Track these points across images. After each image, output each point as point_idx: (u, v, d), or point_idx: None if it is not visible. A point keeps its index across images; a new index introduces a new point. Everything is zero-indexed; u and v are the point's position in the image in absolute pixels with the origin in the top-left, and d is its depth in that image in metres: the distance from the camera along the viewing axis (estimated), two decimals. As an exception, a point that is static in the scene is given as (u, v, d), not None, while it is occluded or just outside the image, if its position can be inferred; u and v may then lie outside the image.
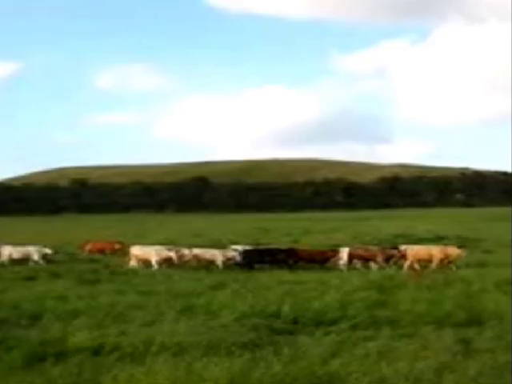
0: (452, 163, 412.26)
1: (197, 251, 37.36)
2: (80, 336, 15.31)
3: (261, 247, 42.69)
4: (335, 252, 37.36)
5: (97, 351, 14.45)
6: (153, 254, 36.31)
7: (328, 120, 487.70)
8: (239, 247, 39.08)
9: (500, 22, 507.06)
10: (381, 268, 34.56)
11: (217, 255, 36.75)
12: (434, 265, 33.95)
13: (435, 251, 35.03)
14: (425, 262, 34.68)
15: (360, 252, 37.78)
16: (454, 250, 34.86)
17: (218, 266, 35.78)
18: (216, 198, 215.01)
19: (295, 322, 17.99)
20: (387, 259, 35.97)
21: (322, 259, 36.99)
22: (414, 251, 35.63)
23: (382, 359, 13.03)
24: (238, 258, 36.35)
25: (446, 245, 40.15)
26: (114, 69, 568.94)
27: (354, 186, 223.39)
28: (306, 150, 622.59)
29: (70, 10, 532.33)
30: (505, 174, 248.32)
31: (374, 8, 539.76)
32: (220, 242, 51.56)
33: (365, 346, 14.45)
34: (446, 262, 33.98)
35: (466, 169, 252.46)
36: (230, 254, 37.03)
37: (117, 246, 45.21)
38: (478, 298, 21.08)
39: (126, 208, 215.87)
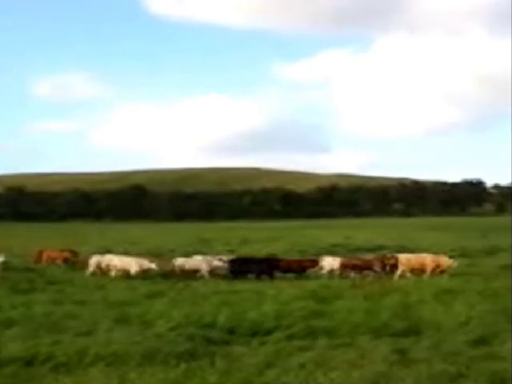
0: (391, 173, 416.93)
1: (181, 261, 37.14)
2: (13, 346, 15.04)
3: (244, 257, 42.49)
4: (315, 261, 37.55)
5: (30, 362, 14.19)
6: (133, 264, 35.95)
7: (268, 129, 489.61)
8: (224, 257, 38.96)
9: (442, 33, 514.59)
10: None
11: (202, 265, 36.56)
12: (426, 273, 33.98)
13: (428, 260, 35.13)
14: (417, 271, 34.76)
15: (354, 261, 38.08)
16: (445, 260, 34.94)
17: (203, 276, 35.50)
18: (154, 207, 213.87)
19: (231, 332, 17.90)
20: (383, 267, 36.02)
21: (301, 268, 37.12)
22: (406, 260, 35.74)
23: (317, 369, 13.02)
24: (224, 268, 36.59)
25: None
26: (52, 78, 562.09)
27: (292, 195, 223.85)
28: (245, 160, 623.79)
29: (10, 19, 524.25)
30: (444, 183, 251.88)
31: (317, 17, 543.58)
32: (157, 251, 51.28)
33: (301, 356, 14.44)
34: (437, 271, 34.10)
35: (405, 179, 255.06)
36: (215, 263, 36.97)
37: (66, 255, 44.39)
38: (415, 307, 21.26)
39: (63, 216, 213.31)
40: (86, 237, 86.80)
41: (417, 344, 15.76)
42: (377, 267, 36.14)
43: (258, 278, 35.20)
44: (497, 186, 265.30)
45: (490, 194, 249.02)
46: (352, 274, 36.17)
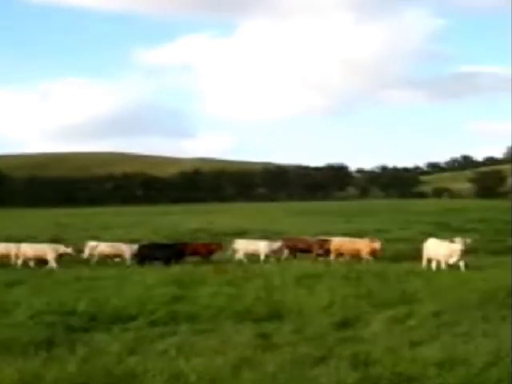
0: (255, 158, 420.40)
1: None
2: None
3: (156, 242, 42.30)
4: (219, 244, 38.16)
5: None
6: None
7: (129, 114, 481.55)
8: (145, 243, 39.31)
9: (308, 18, 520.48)
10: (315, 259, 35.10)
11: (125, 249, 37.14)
12: (363, 258, 34.04)
13: (361, 245, 35.12)
14: (350, 255, 35.00)
15: (295, 243, 38.43)
16: (379, 244, 34.69)
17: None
18: (11, 193, 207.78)
19: (92, 319, 17.56)
20: (326, 250, 36.11)
21: (207, 252, 37.25)
22: (338, 244, 35.91)
23: (180, 355, 12.82)
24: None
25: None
26: None
27: (154, 180, 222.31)
28: (106, 144, 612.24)
29: None
30: (305, 168, 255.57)
31: (179, 2, 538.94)
32: (16, 237, 49.95)
33: (163, 342, 14.26)
34: (371, 255, 34.12)
35: (269, 163, 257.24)
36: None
37: None
38: (279, 292, 21.37)
39: None
40: None
41: (280, 328, 15.80)
42: (317, 250, 36.49)
43: (168, 263, 34.74)
44: (360, 171, 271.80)
45: (354, 178, 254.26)
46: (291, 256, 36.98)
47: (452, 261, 28.39)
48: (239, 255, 37.25)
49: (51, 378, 11.37)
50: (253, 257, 37.00)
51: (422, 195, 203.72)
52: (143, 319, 17.25)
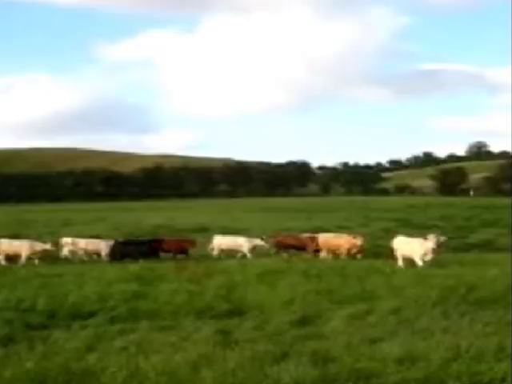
0: (216, 154, 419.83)
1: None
2: None
3: (131, 239, 41.63)
4: (193, 241, 37.92)
5: None
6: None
7: (90, 110, 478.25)
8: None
9: (271, 14, 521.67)
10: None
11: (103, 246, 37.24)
12: (342, 254, 34.11)
13: (343, 241, 34.99)
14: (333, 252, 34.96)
15: (289, 240, 38.07)
16: (361, 240, 34.66)
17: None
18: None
19: (51, 316, 17.48)
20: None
21: (182, 249, 37.09)
22: (324, 240, 35.74)
23: (139, 352, 12.74)
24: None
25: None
26: None
27: (115, 176, 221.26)
28: (67, 140, 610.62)
29: None
30: (267, 164, 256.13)
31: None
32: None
33: (123, 339, 14.16)
34: (353, 252, 34.17)
35: (230, 160, 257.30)
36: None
37: None
38: (239, 288, 21.37)
39: None
40: None
41: (240, 325, 15.79)
42: (310, 247, 36.21)
43: (145, 258, 34.62)
44: (322, 167, 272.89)
45: (315, 175, 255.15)
46: (285, 254, 36.52)
47: (427, 258, 27.63)
48: (216, 252, 37.23)
49: (8, 375, 11.26)
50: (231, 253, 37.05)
51: (384, 192, 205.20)
52: (103, 316, 17.16)
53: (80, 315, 17.40)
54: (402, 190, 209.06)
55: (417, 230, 45.14)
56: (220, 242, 38.05)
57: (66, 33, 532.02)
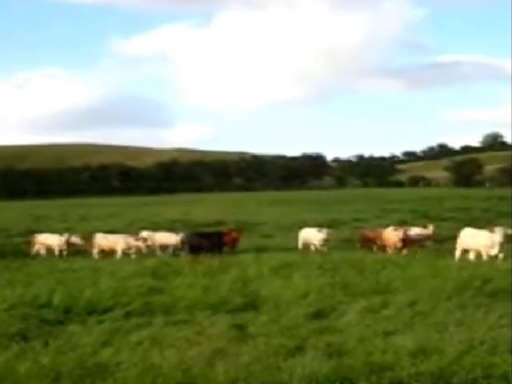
0: (231, 148, 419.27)
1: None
2: None
3: (202, 231, 41.40)
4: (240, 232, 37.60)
5: None
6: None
7: (105, 104, 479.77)
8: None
9: (284, 7, 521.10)
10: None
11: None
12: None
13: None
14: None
15: (371, 235, 36.00)
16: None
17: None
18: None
19: (67, 311, 17.46)
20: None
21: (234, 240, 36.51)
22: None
23: (154, 347, 12.80)
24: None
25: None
26: None
27: (132, 171, 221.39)
28: (83, 135, 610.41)
29: None
30: (283, 157, 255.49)
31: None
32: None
33: (138, 334, 14.18)
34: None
35: (245, 153, 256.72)
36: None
37: None
38: (254, 282, 21.34)
39: None
40: None
41: (255, 319, 15.76)
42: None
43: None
44: (337, 160, 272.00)
45: (330, 167, 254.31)
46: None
47: (493, 252, 26.97)
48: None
49: (24, 370, 11.33)
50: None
51: (399, 184, 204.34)
52: (118, 311, 17.17)
53: (95, 310, 17.40)
54: (416, 181, 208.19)
55: (433, 221, 44.86)
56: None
57: (82, 28, 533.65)
